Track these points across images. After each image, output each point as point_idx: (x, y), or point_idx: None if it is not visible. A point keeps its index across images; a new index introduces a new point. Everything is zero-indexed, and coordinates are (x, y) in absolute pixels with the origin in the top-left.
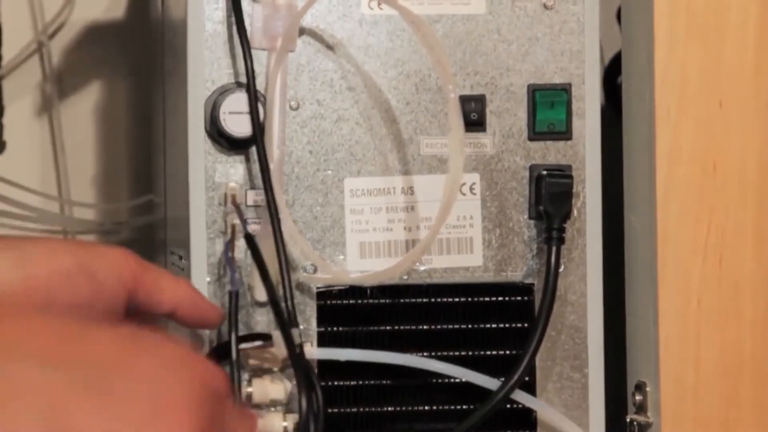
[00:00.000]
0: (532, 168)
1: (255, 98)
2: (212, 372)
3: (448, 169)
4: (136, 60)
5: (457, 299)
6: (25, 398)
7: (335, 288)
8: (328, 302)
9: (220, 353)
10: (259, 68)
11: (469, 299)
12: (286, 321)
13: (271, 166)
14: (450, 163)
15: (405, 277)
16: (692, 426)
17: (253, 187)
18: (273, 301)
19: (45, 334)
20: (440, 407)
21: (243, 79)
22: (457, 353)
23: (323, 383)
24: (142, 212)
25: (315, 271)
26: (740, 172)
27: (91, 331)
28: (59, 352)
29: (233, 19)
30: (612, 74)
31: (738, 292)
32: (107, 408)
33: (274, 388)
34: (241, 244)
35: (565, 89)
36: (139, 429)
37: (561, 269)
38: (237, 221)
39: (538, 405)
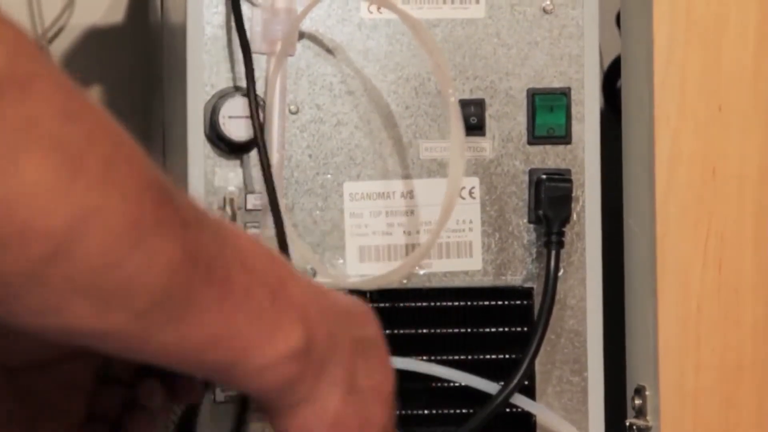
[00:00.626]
0: (531, 172)
1: (255, 102)
2: None
3: (449, 173)
4: (135, 64)
5: (456, 303)
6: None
7: None
8: None
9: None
10: (258, 72)
11: (469, 303)
12: None
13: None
14: (450, 167)
15: (404, 281)
16: (691, 430)
17: (252, 192)
18: None
19: None
20: (440, 411)
21: (242, 83)
22: (456, 357)
23: None
24: None
25: (314, 275)
26: (740, 176)
27: None
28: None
29: (233, 23)
30: (611, 78)
31: (738, 297)
32: None
33: None
34: None
35: (564, 93)
36: None
37: (560, 273)
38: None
39: (538, 409)
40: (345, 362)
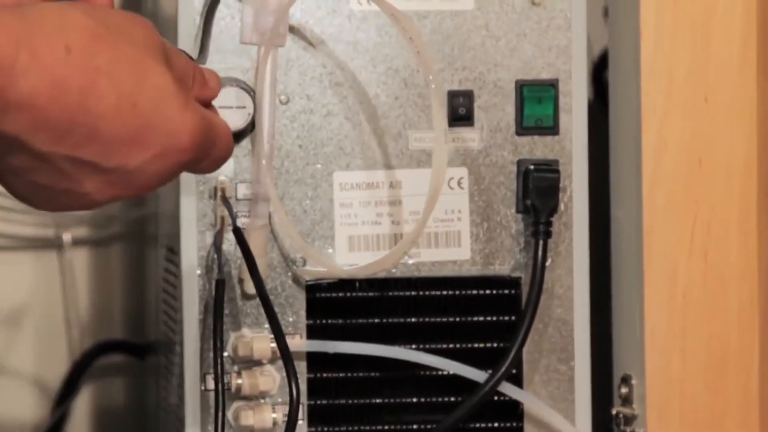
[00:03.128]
0: (519, 162)
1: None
2: (200, 147)
3: (433, 159)
4: None
5: (444, 292)
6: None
7: (324, 281)
8: (318, 295)
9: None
10: (249, 63)
11: (457, 292)
12: (275, 314)
13: (262, 160)
14: (434, 152)
15: (393, 271)
16: (678, 418)
17: (243, 181)
18: (261, 294)
19: None
20: (428, 399)
21: (233, 74)
22: (444, 346)
23: (312, 375)
24: (134, 205)
25: (304, 264)
26: (726, 166)
27: None
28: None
29: (221, 13)
30: (599, 69)
31: (723, 286)
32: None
33: (264, 379)
34: (230, 237)
35: (552, 84)
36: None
37: (548, 263)
38: (226, 213)
39: (525, 397)
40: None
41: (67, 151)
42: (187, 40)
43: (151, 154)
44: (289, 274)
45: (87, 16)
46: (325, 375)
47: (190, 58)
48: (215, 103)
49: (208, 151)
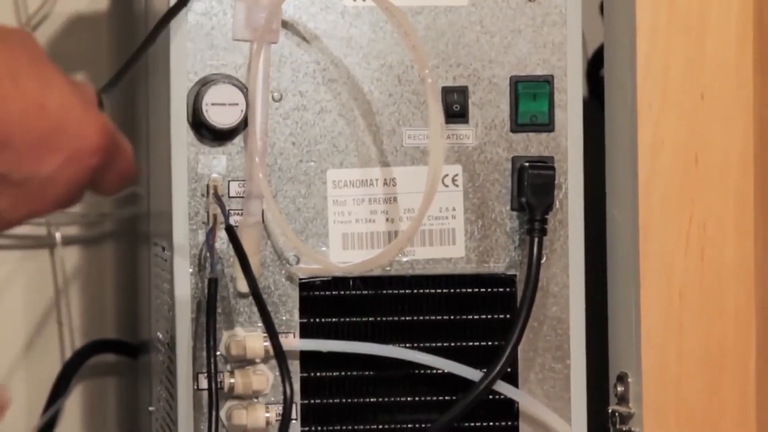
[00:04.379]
0: (514, 159)
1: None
2: (106, 153)
3: (429, 156)
4: (119, 51)
5: (439, 290)
6: None
7: (318, 279)
8: (311, 293)
9: None
10: (241, 59)
11: (452, 290)
12: (268, 312)
13: (255, 158)
14: (430, 152)
15: (387, 268)
16: (674, 417)
17: (235, 179)
18: (254, 293)
19: None
20: (423, 398)
21: (226, 71)
22: (439, 344)
23: (306, 374)
24: (126, 204)
25: (297, 262)
26: (722, 164)
27: None
28: None
29: (216, 10)
30: (595, 66)
31: (720, 284)
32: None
33: (257, 379)
34: (223, 235)
35: (547, 81)
36: (17, 201)
37: (543, 260)
38: (219, 211)
39: (520, 396)
40: None
41: None
42: (179, 36)
43: (62, 158)
44: (283, 272)
45: None
46: (318, 374)
47: None
48: (208, 99)
49: (113, 156)
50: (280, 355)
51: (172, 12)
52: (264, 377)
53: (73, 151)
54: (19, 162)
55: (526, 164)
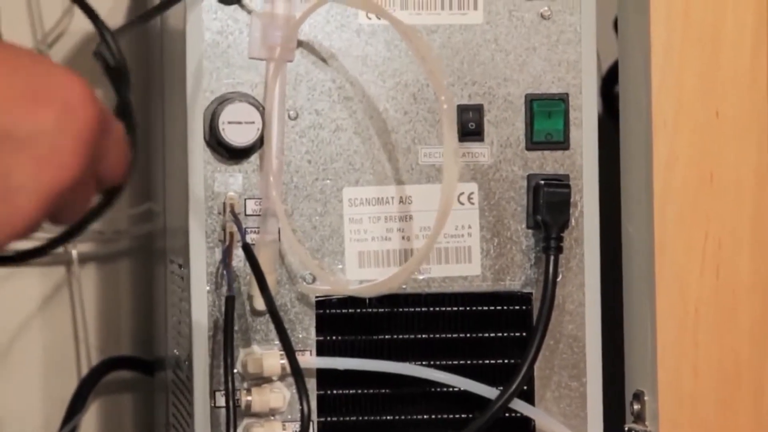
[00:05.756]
0: (529, 177)
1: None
2: (100, 112)
3: (443, 179)
4: (135, 69)
5: (455, 308)
6: None
7: (334, 297)
8: (327, 311)
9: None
10: (257, 78)
11: (468, 308)
12: (285, 330)
13: (270, 176)
14: (444, 173)
15: (404, 287)
16: None
17: (251, 197)
18: (271, 311)
19: None
20: (439, 416)
21: (242, 89)
22: (455, 362)
23: (322, 392)
24: (142, 221)
25: (313, 280)
26: (737, 181)
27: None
28: None
29: (232, 28)
30: (609, 83)
31: (735, 301)
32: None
33: (274, 396)
34: (240, 253)
35: (562, 99)
36: (37, 165)
37: (559, 278)
38: (235, 229)
39: (537, 414)
40: None
41: None
42: (195, 54)
43: (56, 109)
44: (299, 290)
45: None
46: (335, 392)
47: None
48: (225, 117)
49: (107, 121)
50: (296, 372)
51: None
52: (281, 395)
53: (64, 101)
54: (19, 117)
55: (542, 182)
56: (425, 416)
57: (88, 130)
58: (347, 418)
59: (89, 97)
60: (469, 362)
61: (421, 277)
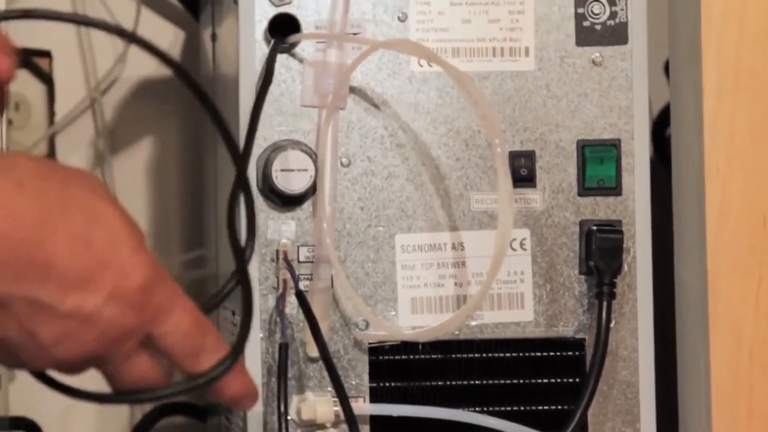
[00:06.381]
0: (582, 223)
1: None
2: (149, 318)
3: (498, 224)
4: (187, 116)
5: (508, 354)
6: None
7: (387, 343)
8: (380, 357)
9: None
10: (310, 125)
11: (521, 354)
12: (338, 377)
13: (323, 223)
14: (499, 218)
15: (456, 333)
16: None
17: (304, 244)
18: (324, 357)
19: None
20: None
21: (295, 137)
22: (509, 408)
23: None
24: (194, 267)
25: (366, 326)
26: None
27: None
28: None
29: (285, 76)
30: (660, 126)
31: None
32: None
33: None
34: (293, 300)
35: (614, 145)
36: (60, 337)
37: (612, 324)
38: (289, 276)
39: None
40: None
41: (24, 291)
42: (248, 101)
43: (103, 294)
44: (352, 336)
45: (35, 160)
46: None
47: None
48: (278, 165)
49: (165, 306)
50: (350, 419)
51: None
52: None
53: (115, 289)
54: (65, 294)
55: (594, 228)
56: None
57: (126, 318)
58: None
59: (144, 288)
60: (522, 408)
61: (473, 323)
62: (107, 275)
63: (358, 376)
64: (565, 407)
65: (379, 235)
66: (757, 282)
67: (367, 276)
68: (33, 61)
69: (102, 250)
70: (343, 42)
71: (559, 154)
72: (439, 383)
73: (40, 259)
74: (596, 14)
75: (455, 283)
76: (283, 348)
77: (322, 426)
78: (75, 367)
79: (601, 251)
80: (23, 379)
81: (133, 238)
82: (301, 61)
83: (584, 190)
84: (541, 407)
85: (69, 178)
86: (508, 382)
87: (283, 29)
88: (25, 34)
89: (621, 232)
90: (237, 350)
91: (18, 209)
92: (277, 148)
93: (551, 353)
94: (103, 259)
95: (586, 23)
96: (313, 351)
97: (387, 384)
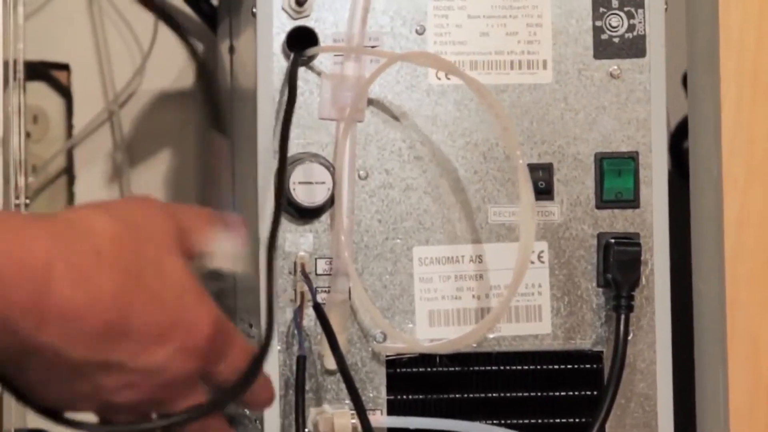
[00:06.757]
0: (600, 236)
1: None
2: (212, 359)
3: (520, 237)
4: (205, 129)
5: (525, 367)
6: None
7: (405, 356)
8: (398, 370)
9: None
10: (327, 138)
11: (538, 367)
12: (356, 389)
13: (341, 236)
14: (521, 231)
15: (474, 345)
16: None
17: (322, 256)
18: (342, 370)
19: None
20: None
21: (312, 150)
22: (526, 421)
23: None
24: (212, 279)
25: (384, 339)
26: None
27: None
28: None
29: (302, 88)
30: (678, 139)
31: None
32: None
33: None
34: (310, 312)
35: (632, 157)
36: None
37: (630, 337)
38: (306, 289)
39: None
40: None
41: (99, 357)
42: (266, 116)
43: (172, 349)
44: (369, 349)
45: (109, 219)
46: None
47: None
48: (295, 178)
49: (223, 350)
50: None
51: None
52: None
53: (184, 342)
54: (137, 353)
55: (612, 241)
56: None
57: (190, 368)
58: None
59: (210, 337)
60: (539, 421)
61: (491, 336)
62: (177, 331)
63: (375, 389)
64: (583, 420)
65: (396, 247)
66: None
67: (385, 288)
68: (51, 74)
69: (172, 308)
70: (361, 55)
71: (577, 167)
72: (457, 396)
73: (117, 328)
74: (614, 27)
75: (473, 296)
76: (301, 360)
77: None
78: (123, 410)
79: (619, 264)
80: None
81: (197, 288)
82: (318, 73)
83: (602, 202)
84: (558, 420)
85: (142, 237)
86: (525, 394)
87: (301, 42)
88: (44, 47)
89: (639, 244)
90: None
91: (98, 281)
92: (294, 161)
93: (569, 366)
94: (172, 316)
95: (604, 36)
96: (331, 363)
97: (404, 396)
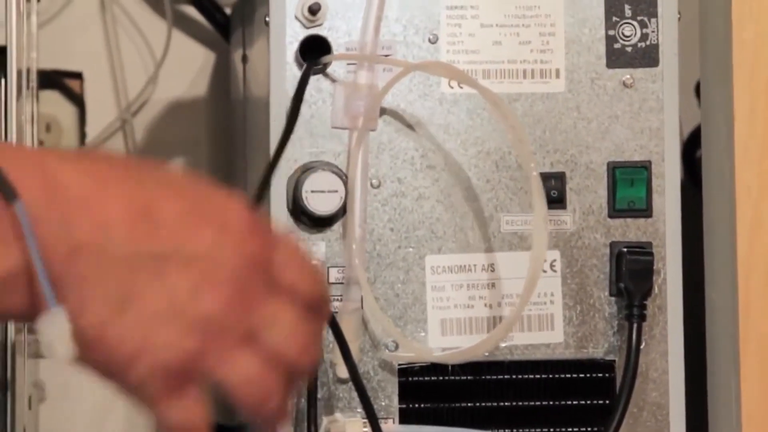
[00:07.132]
0: (612, 245)
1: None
2: (266, 244)
3: (532, 247)
4: (218, 138)
5: (538, 376)
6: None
7: (417, 364)
8: (410, 379)
9: None
10: (340, 147)
11: (550, 376)
12: (368, 398)
13: (353, 245)
14: (534, 240)
15: (486, 354)
16: None
17: (334, 265)
18: (354, 378)
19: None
20: None
21: (325, 158)
22: (538, 430)
23: None
24: None
25: (396, 348)
26: None
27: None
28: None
29: (316, 97)
30: (690, 148)
31: None
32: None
33: None
34: None
35: (645, 167)
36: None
37: (642, 346)
38: None
39: None
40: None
41: (143, 246)
42: (278, 123)
43: (212, 230)
44: (381, 357)
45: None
46: None
47: None
48: (308, 186)
49: (268, 237)
50: None
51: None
52: None
53: (222, 223)
54: (178, 239)
55: (624, 250)
56: None
57: (251, 254)
58: None
59: (253, 224)
60: (552, 430)
61: (503, 345)
62: (209, 210)
63: (387, 398)
64: (595, 429)
65: (409, 256)
66: None
67: (397, 297)
68: (64, 82)
69: (196, 192)
70: (374, 64)
71: (589, 176)
72: (469, 404)
73: (143, 216)
74: (627, 36)
75: (485, 305)
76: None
77: None
78: (226, 337)
79: (632, 273)
80: (53, 398)
81: (218, 189)
82: (332, 82)
83: (614, 211)
84: (571, 429)
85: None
86: (537, 403)
87: (314, 51)
88: (56, 56)
89: (651, 254)
90: None
91: (106, 172)
92: (307, 170)
93: (581, 375)
94: (199, 198)
95: (616, 45)
96: (343, 372)
97: (416, 405)
